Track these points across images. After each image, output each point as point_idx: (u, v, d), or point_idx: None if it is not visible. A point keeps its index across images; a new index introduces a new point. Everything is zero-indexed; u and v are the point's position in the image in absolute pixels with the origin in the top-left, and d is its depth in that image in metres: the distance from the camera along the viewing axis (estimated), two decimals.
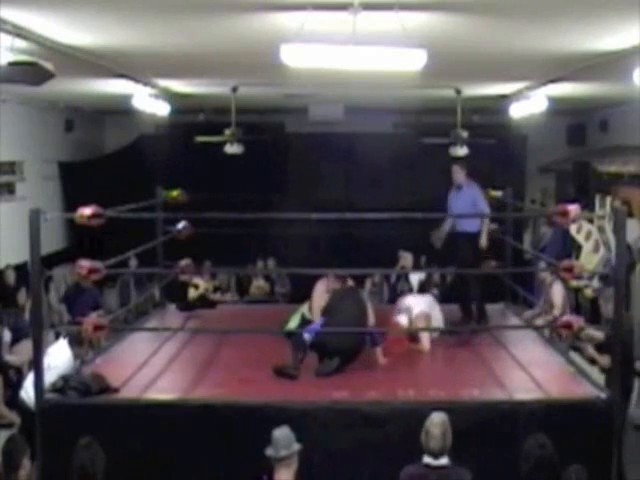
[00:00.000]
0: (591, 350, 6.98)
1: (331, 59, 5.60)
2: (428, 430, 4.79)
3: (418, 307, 7.65)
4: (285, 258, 12.74)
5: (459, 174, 8.57)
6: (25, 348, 8.93)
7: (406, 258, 11.51)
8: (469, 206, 8.32)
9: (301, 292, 9.22)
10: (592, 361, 7.75)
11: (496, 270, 8.49)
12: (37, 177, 12.65)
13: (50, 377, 6.07)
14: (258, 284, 13.21)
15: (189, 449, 5.65)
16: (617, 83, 8.96)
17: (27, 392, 6.64)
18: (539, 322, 8.26)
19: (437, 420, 4.82)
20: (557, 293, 8.34)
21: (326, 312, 7.01)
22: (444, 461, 4.76)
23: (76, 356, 6.87)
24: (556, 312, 8.05)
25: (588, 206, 11.20)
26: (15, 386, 8.68)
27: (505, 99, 11.66)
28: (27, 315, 9.59)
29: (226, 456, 5.64)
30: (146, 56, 7.90)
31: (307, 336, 6.72)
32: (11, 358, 9.32)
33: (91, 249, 11.46)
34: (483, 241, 8.21)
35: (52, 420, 5.77)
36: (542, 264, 9.51)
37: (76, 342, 6.87)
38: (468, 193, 8.46)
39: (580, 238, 10.33)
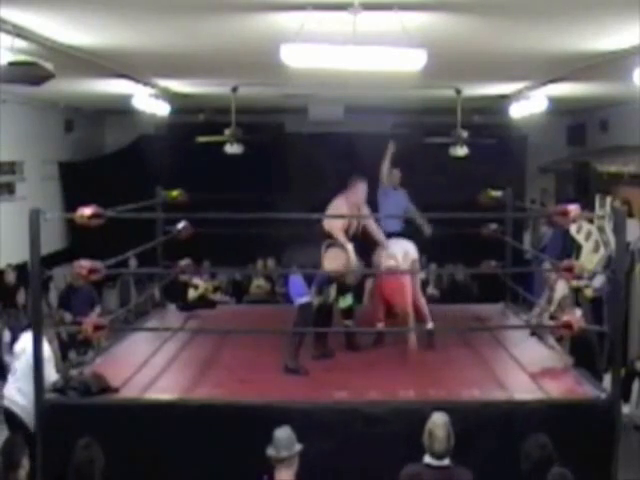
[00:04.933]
0: (552, 341, 7.09)
1: (331, 59, 5.59)
2: (432, 432, 4.77)
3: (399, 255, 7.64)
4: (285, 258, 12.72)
5: (398, 177, 8.69)
6: None
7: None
8: (404, 206, 8.51)
9: None
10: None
11: (496, 270, 8.49)
12: (37, 177, 12.65)
13: (27, 360, 6.18)
14: (258, 283, 13.22)
15: (189, 449, 5.65)
16: (617, 83, 8.96)
17: (10, 397, 6.55)
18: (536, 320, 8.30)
19: (441, 422, 4.80)
20: (559, 290, 8.34)
21: None
22: (446, 462, 4.76)
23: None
24: (552, 308, 8.08)
25: (588, 206, 11.19)
26: None
27: (505, 99, 11.65)
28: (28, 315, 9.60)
29: (226, 456, 5.63)
30: (146, 56, 7.90)
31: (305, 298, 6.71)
32: (10, 359, 9.31)
33: (91, 249, 11.45)
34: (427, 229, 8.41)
35: (52, 420, 5.77)
36: (546, 264, 9.52)
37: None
38: (402, 193, 8.64)
39: (580, 238, 10.30)
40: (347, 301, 7.48)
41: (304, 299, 6.69)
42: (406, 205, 8.55)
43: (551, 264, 8.56)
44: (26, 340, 6.59)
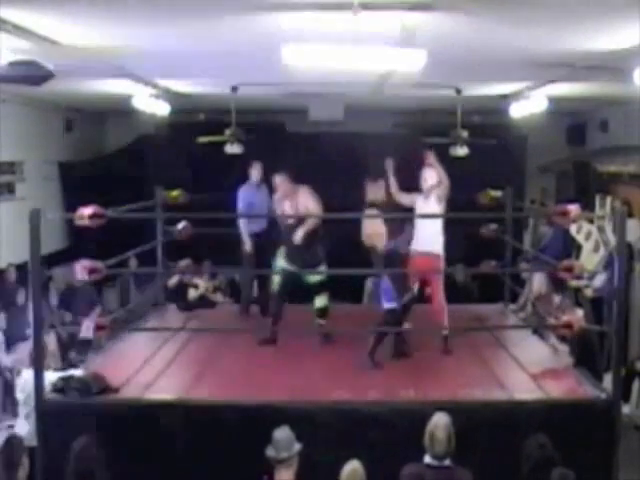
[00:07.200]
0: (554, 340, 7.12)
1: (331, 59, 5.60)
2: (433, 434, 4.77)
3: None
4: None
5: (259, 171, 8.87)
6: (24, 348, 8.92)
7: None
8: (268, 204, 8.63)
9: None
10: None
11: (496, 270, 8.49)
12: (37, 177, 12.63)
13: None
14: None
15: (189, 449, 5.65)
16: (617, 83, 8.95)
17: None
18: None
19: (442, 423, 4.80)
20: (536, 280, 8.36)
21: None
22: (446, 462, 4.76)
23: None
24: (531, 296, 8.15)
25: (588, 206, 11.19)
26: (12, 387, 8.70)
27: (505, 99, 11.65)
28: (28, 315, 9.59)
29: (226, 456, 5.64)
30: (146, 56, 7.90)
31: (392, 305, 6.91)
32: (7, 359, 9.30)
33: (91, 249, 11.46)
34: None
35: (52, 420, 5.77)
36: (540, 260, 9.57)
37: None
38: (264, 189, 8.81)
39: (580, 238, 10.32)
40: (323, 301, 7.74)
41: (392, 305, 6.95)
42: (269, 203, 8.64)
43: (548, 262, 8.58)
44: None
